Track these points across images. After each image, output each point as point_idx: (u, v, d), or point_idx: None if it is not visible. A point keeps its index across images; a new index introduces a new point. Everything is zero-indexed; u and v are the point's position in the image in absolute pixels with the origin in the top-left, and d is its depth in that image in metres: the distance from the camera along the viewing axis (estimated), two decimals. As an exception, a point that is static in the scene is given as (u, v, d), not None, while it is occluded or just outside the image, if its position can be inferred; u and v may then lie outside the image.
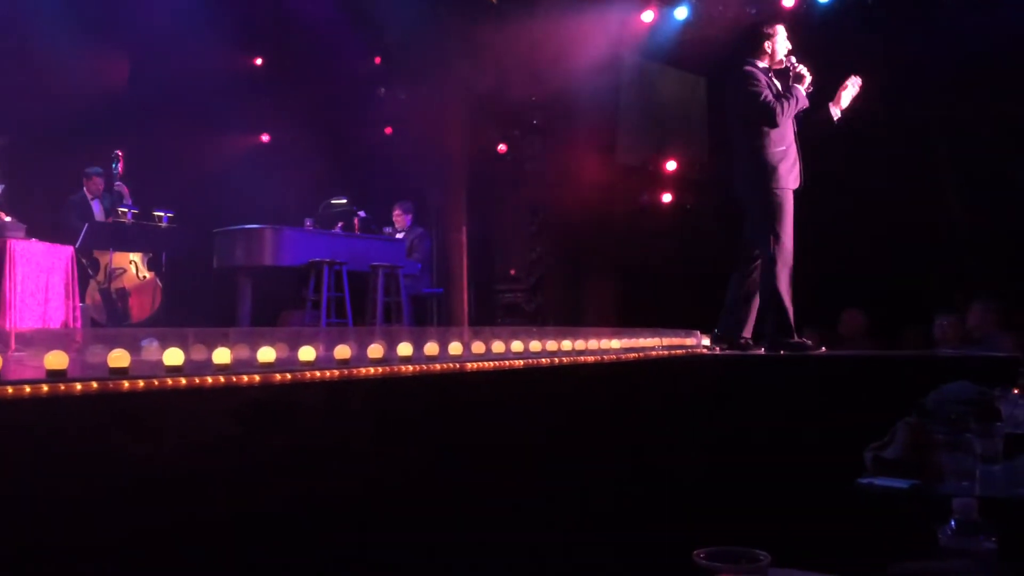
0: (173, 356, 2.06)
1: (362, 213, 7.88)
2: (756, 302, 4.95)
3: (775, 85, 4.88)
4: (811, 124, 5.02)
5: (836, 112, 4.95)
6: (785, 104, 4.77)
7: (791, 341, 4.74)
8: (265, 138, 10.12)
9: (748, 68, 4.87)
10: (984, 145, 7.71)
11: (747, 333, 4.98)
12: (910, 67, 7.21)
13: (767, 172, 4.78)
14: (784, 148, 4.82)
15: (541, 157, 9.36)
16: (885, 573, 1.14)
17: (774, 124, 4.77)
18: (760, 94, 4.78)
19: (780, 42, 4.93)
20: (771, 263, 4.76)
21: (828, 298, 6.69)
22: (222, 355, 2.18)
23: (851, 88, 4.95)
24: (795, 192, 4.86)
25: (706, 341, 4.97)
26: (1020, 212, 7.68)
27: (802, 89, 4.87)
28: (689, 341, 4.79)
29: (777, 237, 4.75)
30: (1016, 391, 2.92)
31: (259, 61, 9.66)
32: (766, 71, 4.90)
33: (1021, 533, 1.45)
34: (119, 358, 1.96)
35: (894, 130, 7.31)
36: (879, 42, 7.21)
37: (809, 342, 4.87)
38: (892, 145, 7.45)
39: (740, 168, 4.98)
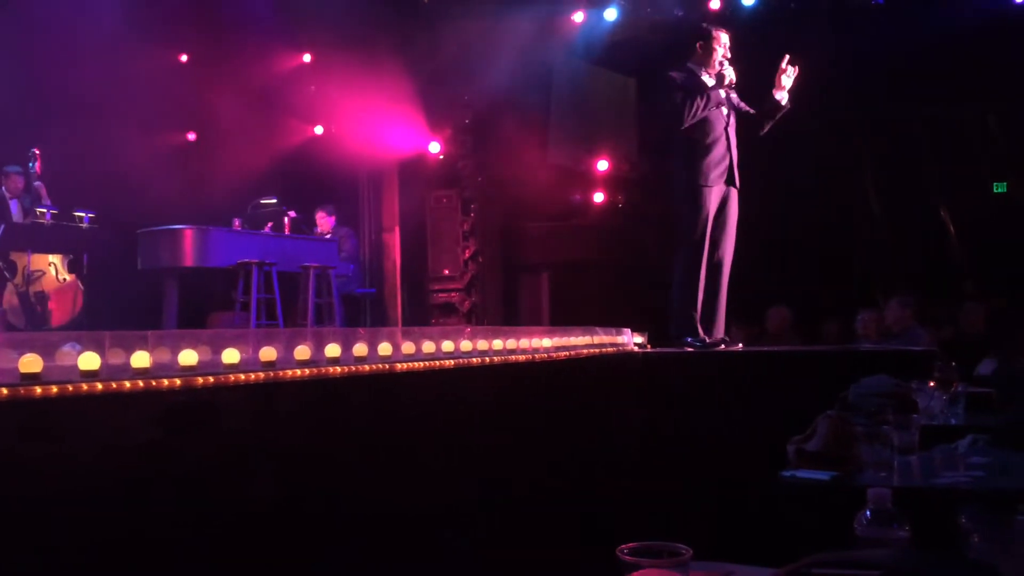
0: (88, 361, 1.99)
1: (292, 213, 7.76)
2: (723, 299, 4.90)
3: (704, 85, 4.81)
4: (764, 114, 4.92)
5: (782, 96, 4.83)
6: (695, 103, 4.70)
7: (691, 339, 4.75)
8: (191, 136, 9.89)
9: (672, 73, 4.85)
10: (905, 145, 7.96)
11: (719, 332, 4.89)
12: (832, 69, 7.39)
13: (689, 168, 4.78)
14: (708, 143, 4.78)
15: (473, 156, 9.36)
16: (797, 562, 1.16)
17: (680, 124, 4.74)
18: (671, 95, 4.77)
19: (718, 47, 4.84)
20: (682, 258, 4.80)
21: (755, 296, 6.83)
22: (141, 359, 2.12)
23: (787, 70, 4.80)
24: (729, 191, 4.85)
25: (638, 339, 5.00)
26: (936, 211, 7.97)
27: (721, 92, 4.79)
28: (620, 339, 4.83)
29: (690, 232, 4.76)
30: (932, 384, 3.02)
31: (184, 57, 9.43)
32: (693, 73, 4.85)
33: (934, 521, 1.50)
34: (31, 363, 1.88)
35: (817, 130, 7.50)
36: (802, 44, 7.38)
37: (708, 339, 4.82)
38: (815, 145, 7.64)
39: (671, 165, 4.97)
